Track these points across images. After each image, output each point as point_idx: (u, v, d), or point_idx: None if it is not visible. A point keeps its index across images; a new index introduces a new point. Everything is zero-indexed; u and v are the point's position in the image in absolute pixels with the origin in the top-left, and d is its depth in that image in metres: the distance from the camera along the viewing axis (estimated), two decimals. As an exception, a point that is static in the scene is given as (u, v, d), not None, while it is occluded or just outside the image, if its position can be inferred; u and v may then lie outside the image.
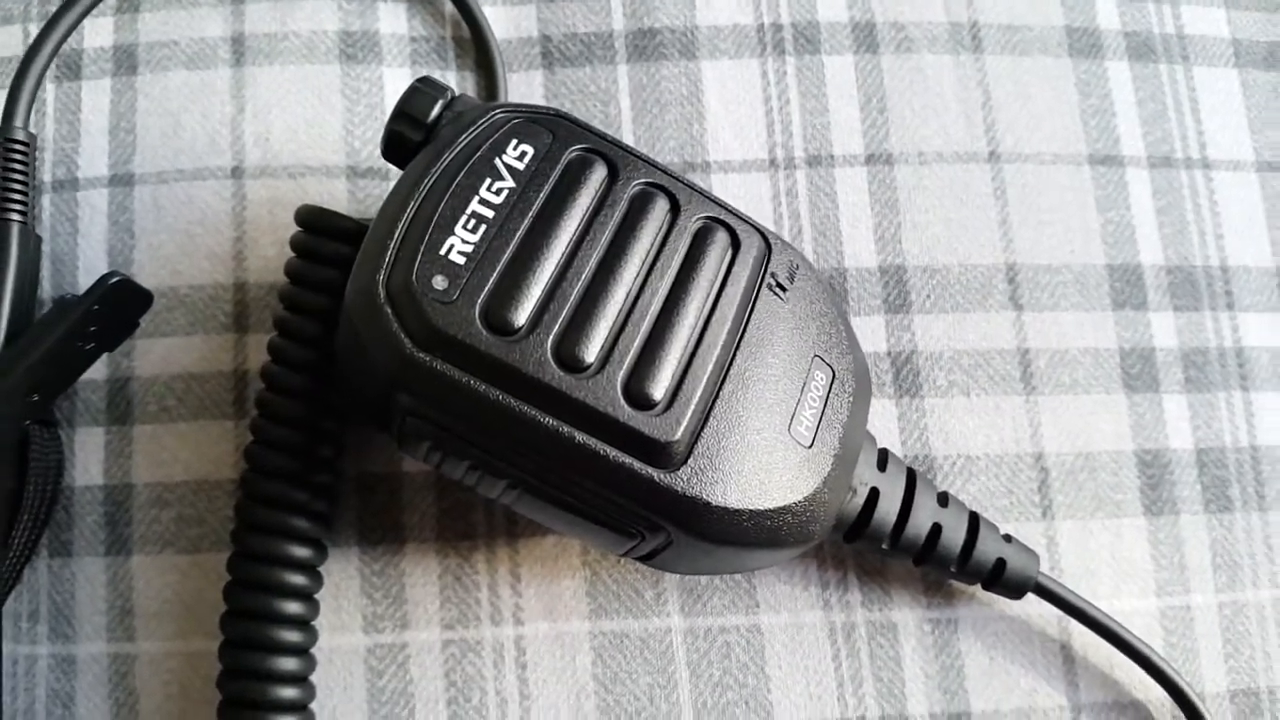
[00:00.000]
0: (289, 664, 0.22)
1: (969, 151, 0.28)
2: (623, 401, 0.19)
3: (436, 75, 0.28)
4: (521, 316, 0.20)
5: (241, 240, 0.26)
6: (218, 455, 0.25)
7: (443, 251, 0.20)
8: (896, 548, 0.23)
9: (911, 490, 0.23)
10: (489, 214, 0.20)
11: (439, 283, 0.19)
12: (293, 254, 0.24)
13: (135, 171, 0.27)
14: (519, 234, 0.20)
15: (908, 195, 0.27)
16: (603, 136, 0.22)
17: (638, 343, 0.20)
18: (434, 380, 0.19)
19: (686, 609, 0.24)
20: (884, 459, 0.23)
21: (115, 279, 0.22)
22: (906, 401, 0.26)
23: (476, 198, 0.20)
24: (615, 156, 0.22)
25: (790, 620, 0.24)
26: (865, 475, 0.23)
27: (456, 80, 0.28)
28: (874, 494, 0.23)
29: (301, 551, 0.22)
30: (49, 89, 0.27)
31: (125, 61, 0.27)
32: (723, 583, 0.25)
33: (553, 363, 0.19)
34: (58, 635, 0.24)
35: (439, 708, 0.24)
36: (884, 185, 0.27)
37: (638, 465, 0.19)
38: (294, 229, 0.24)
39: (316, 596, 0.23)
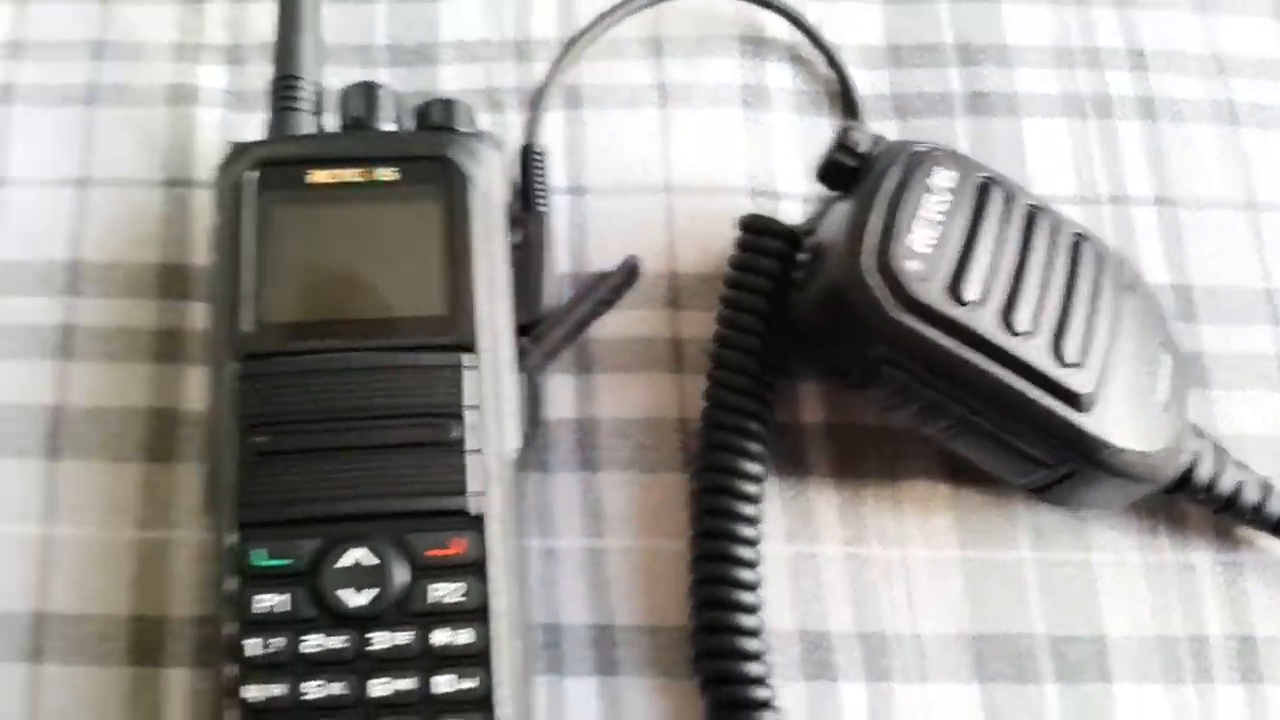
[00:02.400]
0: (748, 553, 0.29)
1: (1230, 199, 0.35)
2: (1052, 360, 0.26)
3: (811, 120, 0.35)
4: (973, 293, 0.27)
5: (672, 241, 0.34)
6: (663, 400, 0.32)
7: (908, 243, 0.27)
8: (1208, 498, 0.30)
9: (1221, 455, 0.30)
10: (938, 218, 0.28)
11: (911, 265, 0.27)
12: (739, 249, 0.31)
13: (586, 185, 0.34)
14: (962, 234, 0.27)
15: (1189, 230, 0.34)
16: (988, 169, 0.29)
17: (1054, 317, 0.27)
18: (911, 337, 0.26)
19: (1034, 545, 0.31)
20: (1198, 430, 0.30)
21: (635, 261, 0.29)
22: (1198, 391, 0.33)
23: (924, 207, 0.28)
24: (1006, 184, 0.29)
25: (1115, 559, 0.31)
26: (1189, 441, 0.29)
27: (828, 124, 0.35)
28: (1196, 456, 0.29)
29: (755, 467, 0.29)
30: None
31: (573, 99, 0.35)
32: (1063, 525, 0.31)
33: (1001, 328, 0.26)
34: (543, 533, 0.31)
35: (845, 608, 0.30)
36: (1169, 222, 0.35)
37: (1061, 409, 0.26)
38: (712, 235, 0.32)
39: (761, 505, 0.29)
